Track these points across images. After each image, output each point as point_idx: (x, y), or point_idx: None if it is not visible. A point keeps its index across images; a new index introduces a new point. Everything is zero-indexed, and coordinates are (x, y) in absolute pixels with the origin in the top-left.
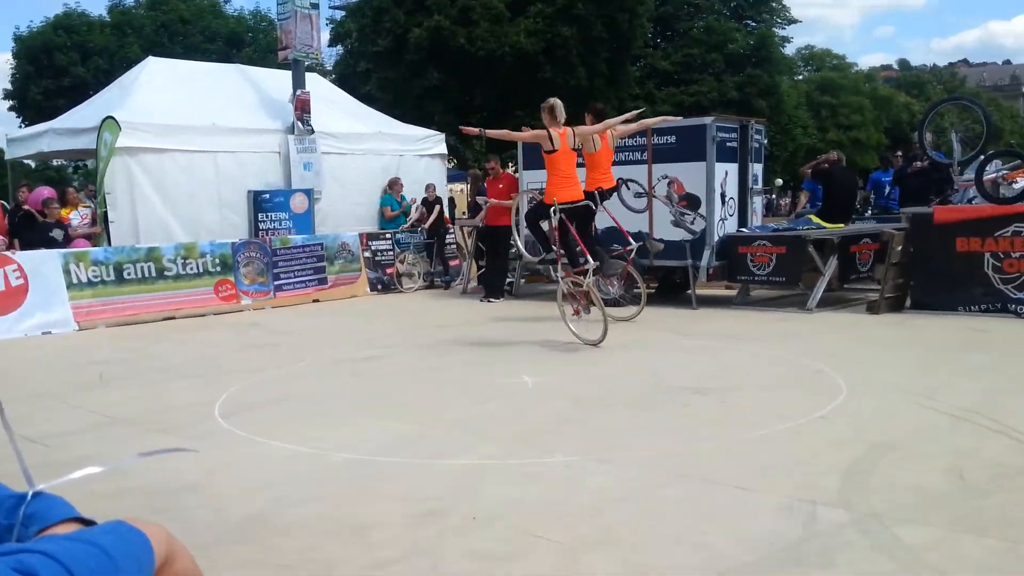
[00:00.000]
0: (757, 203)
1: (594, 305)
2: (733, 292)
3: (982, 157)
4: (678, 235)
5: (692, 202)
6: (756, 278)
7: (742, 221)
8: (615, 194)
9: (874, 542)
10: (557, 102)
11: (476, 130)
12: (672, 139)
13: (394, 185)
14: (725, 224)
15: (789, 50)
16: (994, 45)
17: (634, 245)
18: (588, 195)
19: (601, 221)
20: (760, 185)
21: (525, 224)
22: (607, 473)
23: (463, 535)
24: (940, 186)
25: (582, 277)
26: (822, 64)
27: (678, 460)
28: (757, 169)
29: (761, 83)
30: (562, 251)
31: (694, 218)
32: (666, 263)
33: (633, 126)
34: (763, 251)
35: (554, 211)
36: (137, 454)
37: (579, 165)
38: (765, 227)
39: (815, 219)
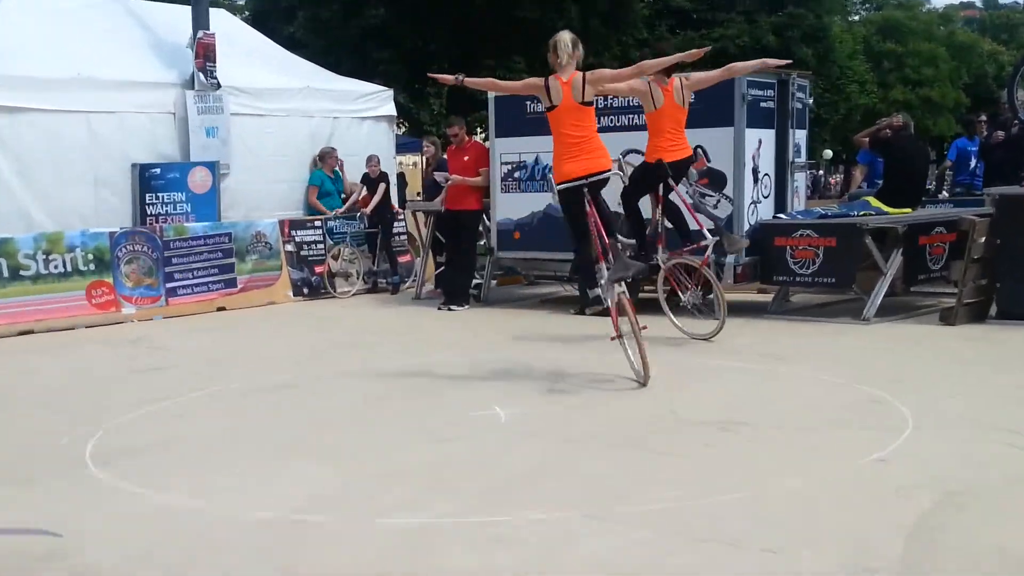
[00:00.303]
0: (799, 181)
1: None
2: (768, 297)
3: None
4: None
5: (715, 180)
6: (798, 279)
7: (780, 205)
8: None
9: None
10: (562, 36)
11: (451, 77)
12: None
13: (326, 158)
14: (758, 209)
15: None
16: None
17: (709, 240)
18: (647, 169)
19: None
20: (804, 158)
21: (620, 202)
22: (602, 535)
23: None
24: None
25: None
26: (885, 1)
27: (695, 518)
28: (800, 137)
29: (805, 25)
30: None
31: (718, 201)
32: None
33: (716, 73)
34: (807, 244)
35: (556, 192)
36: None
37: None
38: (809, 212)
39: (874, 202)
